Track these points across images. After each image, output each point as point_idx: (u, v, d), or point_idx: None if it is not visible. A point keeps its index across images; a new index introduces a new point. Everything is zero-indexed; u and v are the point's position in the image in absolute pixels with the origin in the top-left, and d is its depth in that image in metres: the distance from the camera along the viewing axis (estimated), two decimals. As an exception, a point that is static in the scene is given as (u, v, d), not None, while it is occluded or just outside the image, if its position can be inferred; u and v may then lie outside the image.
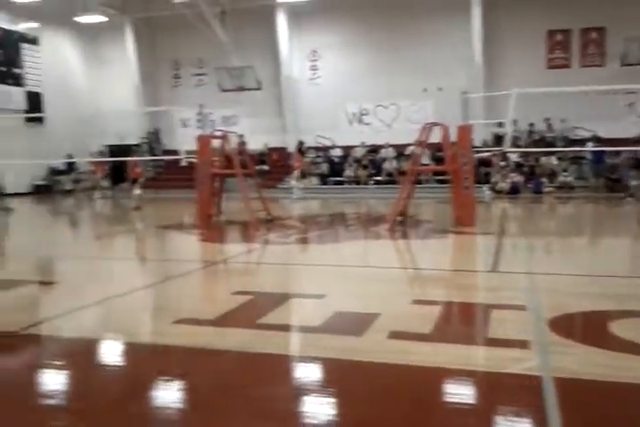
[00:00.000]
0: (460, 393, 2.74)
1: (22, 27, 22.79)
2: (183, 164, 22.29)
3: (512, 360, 3.08)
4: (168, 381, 2.91)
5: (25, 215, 15.19)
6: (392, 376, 2.92)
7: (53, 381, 3.01)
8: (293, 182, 17.79)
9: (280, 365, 3.13)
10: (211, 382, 2.91)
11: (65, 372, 3.12)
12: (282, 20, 22.71)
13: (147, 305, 4.66)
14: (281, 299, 4.61)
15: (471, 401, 2.68)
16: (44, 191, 22.21)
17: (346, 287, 5.03)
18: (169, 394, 2.77)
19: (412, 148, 18.61)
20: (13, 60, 22.36)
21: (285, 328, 3.77)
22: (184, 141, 23.05)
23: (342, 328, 3.71)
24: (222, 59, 21.74)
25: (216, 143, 11.35)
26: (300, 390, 2.73)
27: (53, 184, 22.94)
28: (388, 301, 4.43)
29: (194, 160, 12.03)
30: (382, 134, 21.31)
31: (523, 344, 3.29)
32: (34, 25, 23.18)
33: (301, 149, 21.19)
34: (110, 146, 24.64)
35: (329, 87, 22.75)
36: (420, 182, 12.34)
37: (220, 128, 15.30)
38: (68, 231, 11.40)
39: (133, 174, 15.19)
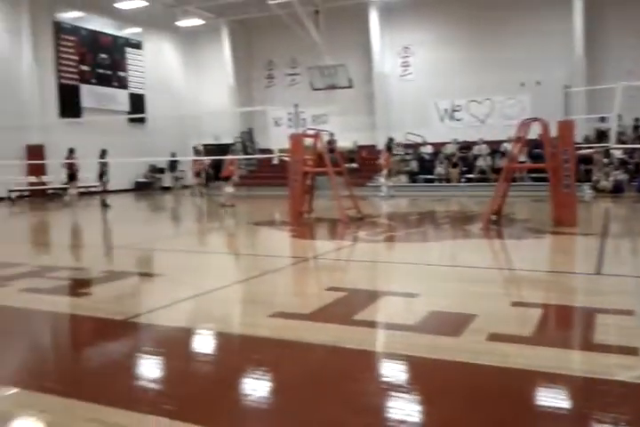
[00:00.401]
0: (562, 399, 2.62)
1: (127, 32, 24.10)
2: (275, 162, 22.84)
3: (620, 367, 2.91)
4: (263, 371, 2.99)
5: (127, 210, 16.08)
6: (491, 378, 2.85)
7: (153, 366, 3.17)
8: (382, 180, 17.70)
9: (375, 362, 3.13)
10: (305, 374, 2.96)
11: (165, 359, 3.27)
12: (374, 18, 22.69)
13: (243, 298, 4.80)
14: (374, 296, 4.61)
15: (574, 409, 2.56)
16: (143, 188, 23.41)
17: (440, 287, 4.95)
18: (262, 384, 2.85)
19: (506, 144, 18.03)
20: (119, 63, 23.70)
21: (381, 326, 3.77)
22: (276, 140, 23.62)
23: (438, 328, 3.65)
24: (315, 58, 21.98)
25: (308, 142, 11.50)
26: (394, 388, 2.71)
27: (153, 181, 24.12)
28: (485, 302, 4.32)
29: (286, 158, 12.28)
30: (475, 131, 20.76)
31: (632, 351, 3.11)
32: (138, 30, 24.45)
33: (390, 147, 21.03)
34: (206, 145, 25.57)
35: (420, 83, 22.48)
36: (514, 180, 11.90)
37: (311, 127, 15.51)
38: (167, 226, 11.94)
39: (226, 173, 15.64)
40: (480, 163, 19.30)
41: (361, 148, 22.45)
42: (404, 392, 2.66)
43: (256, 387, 2.82)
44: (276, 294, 5.05)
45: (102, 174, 16.25)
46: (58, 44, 21.25)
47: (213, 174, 20.78)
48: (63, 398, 2.67)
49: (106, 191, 16.45)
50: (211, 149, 24.67)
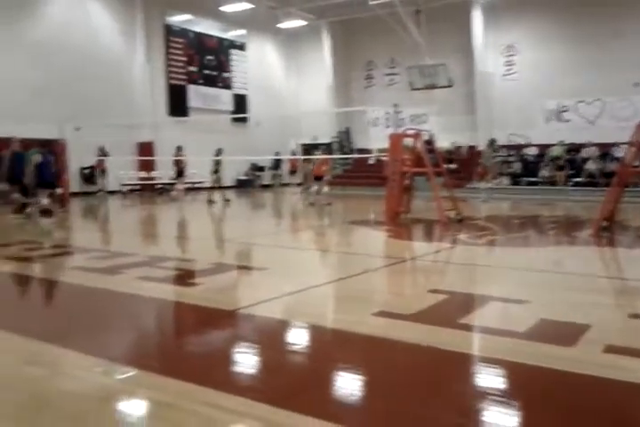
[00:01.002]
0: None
1: (232, 34, 24.95)
2: (371, 162, 22.85)
3: None
4: (368, 368, 3.00)
5: (229, 206, 16.64)
6: (607, 392, 2.70)
7: (262, 356, 3.26)
8: (482, 182, 17.22)
9: (482, 367, 3.05)
10: (409, 374, 2.94)
11: (274, 350, 3.35)
12: (477, 16, 22.13)
13: (347, 296, 4.83)
14: (479, 301, 4.50)
15: None
16: (244, 185, 24.16)
17: (548, 294, 4.74)
18: (366, 380, 2.85)
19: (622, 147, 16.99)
20: (224, 65, 24.59)
21: (488, 331, 3.66)
22: (373, 140, 23.62)
23: (550, 336, 3.50)
24: (414, 57, 21.77)
25: (407, 141, 11.40)
26: (503, 394, 2.63)
27: (253, 179, 24.83)
28: (599, 312, 4.09)
29: (384, 158, 12.24)
30: (584, 132, 19.74)
31: None
32: (242, 32, 25.25)
33: (493, 149, 20.39)
34: (304, 144, 26.01)
35: (524, 83, 21.66)
36: (626, 185, 11.16)
37: (410, 126, 15.35)
38: (267, 222, 12.24)
39: (319, 172, 15.77)
40: (589, 166, 18.31)
41: (459, 148, 21.97)
42: (511, 400, 2.58)
43: (360, 383, 2.83)
44: (377, 292, 5.05)
45: (215, 171, 16.86)
46: (168, 46, 22.37)
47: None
48: (179, 380, 2.81)
49: (213, 188, 17.08)
50: (308, 149, 25.05)
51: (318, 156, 17.48)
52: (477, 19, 22.12)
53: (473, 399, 2.61)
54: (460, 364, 3.09)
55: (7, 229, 10.40)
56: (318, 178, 15.89)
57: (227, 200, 16.18)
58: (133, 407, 2.60)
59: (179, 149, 17.28)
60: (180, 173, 17.44)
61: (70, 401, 2.63)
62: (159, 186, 20.81)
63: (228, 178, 24.11)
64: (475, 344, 3.40)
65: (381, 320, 3.87)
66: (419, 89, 21.82)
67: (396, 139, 11.03)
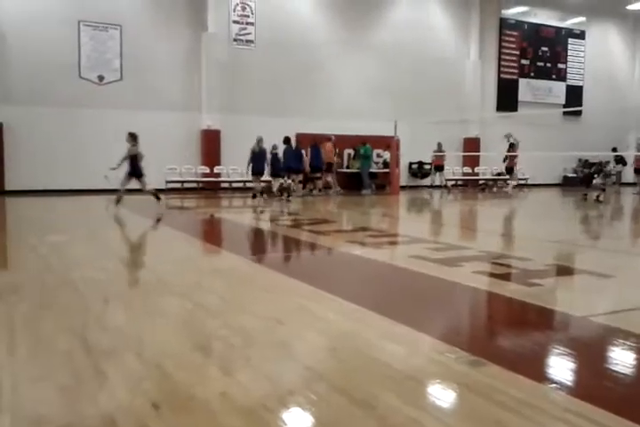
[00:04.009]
0: None
1: (570, 22, 23.41)
2: None
3: None
4: None
5: (553, 205, 15.72)
6: None
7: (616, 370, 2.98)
8: None
9: None
10: None
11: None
12: None
13: None
14: None
15: None
16: (572, 183, 22.57)
17: None
18: None
19: None
20: (559, 55, 23.25)
21: None
22: None
23: None
24: None
25: None
26: None
27: (584, 177, 22.98)
28: None
29: None
30: None
31: None
32: (582, 19, 23.49)
33: None
34: (649, 138, 23.08)
35: None
36: None
37: None
38: (595, 225, 11.20)
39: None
40: None
41: None
42: None
43: None
44: None
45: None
46: (501, 40, 22.10)
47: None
48: (525, 377, 2.75)
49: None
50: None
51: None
52: None
53: None
54: None
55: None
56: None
57: (598, 200, 14.55)
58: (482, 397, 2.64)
59: (511, 146, 16.81)
60: (510, 171, 17.07)
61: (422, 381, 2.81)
62: (482, 182, 20.82)
63: (554, 175, 22.90)
64: None
65: None
66: None
67: None
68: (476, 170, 20.97)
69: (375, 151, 18.67)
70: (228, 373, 2.88)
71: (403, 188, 18.50)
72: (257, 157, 13.51)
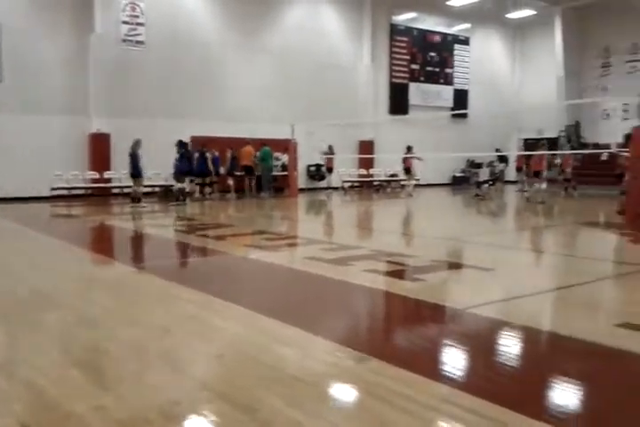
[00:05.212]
0: None
1: (456, 29, 24.61)
2: (604, 158, 20.86)
3: None
4: (599, 380, 2.75)
5: (442, 204, 16.48)
6: None
7: (488, 358, 3.17)
8: None
9: None
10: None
11: (511, 354, 3.25)
12: None
13: (584, 303, 4.49)
14: None
15: None
16: (459, 182, 23.77)
17: None
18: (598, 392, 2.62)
19: None
20: (446, 60, 24.38)
21: None
22: (605, 134, 21.61)
23: None
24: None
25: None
26: None
27: (470, 176, 24.28)
28: None
29: (623, 153, 11.11)
30: None
31: None
32: (467, 26, 24.76)
33: None
34: (526, 139, 24.71)
35: None
36: None
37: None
38: (484, 221, 11.86)
39: (536, 167, 15.03)
40: None
41: None
42: None
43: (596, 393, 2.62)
44: (619, 302, 4.61)
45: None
46: (392, 46, 22.84)
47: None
48: (409, 372, 2.87)
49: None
50: (530, 144, 23.74)
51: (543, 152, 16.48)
52: None
53: None
54: None
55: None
56: (537, 174, 15.16)
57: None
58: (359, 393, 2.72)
59: (409, 148, 17.38)
60: (407, 171, 17.68)
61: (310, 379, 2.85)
62: (376, 183, 21.40)
63: (443, 175, 24.00)
64: None
65: (625, 332, 3.54)
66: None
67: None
68: (371, 171, 21.53)
69: (274, 154, 18.67)
70: (108, 387, 2.78)
71: (301, 190, 18.66)
72: (133, 159, 13.28)
